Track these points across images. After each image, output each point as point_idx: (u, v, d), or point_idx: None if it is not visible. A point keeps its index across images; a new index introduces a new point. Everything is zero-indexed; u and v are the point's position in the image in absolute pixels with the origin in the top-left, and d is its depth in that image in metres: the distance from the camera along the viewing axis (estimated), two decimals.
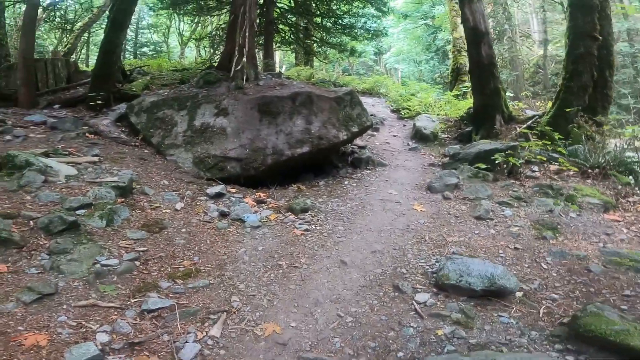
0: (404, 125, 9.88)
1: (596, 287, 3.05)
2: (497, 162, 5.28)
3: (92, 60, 18.31)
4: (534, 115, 7.39)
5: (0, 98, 7.77)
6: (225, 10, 14.66)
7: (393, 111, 11.74)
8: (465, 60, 16.91)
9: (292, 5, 15.51)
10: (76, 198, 3.68)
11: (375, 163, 6.70)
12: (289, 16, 16.29)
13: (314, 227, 4.21)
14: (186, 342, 2.40)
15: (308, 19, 16.14)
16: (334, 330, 2.67)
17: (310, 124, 5.97)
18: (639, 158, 5.52)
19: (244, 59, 6.97)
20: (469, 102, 11.10)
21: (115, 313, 2.59)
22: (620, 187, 5.04)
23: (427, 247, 3.69)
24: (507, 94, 8.70)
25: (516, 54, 21.16)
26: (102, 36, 8.46)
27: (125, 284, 2.94)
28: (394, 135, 9.02)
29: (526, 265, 3.34)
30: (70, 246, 3.13)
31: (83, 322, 2.47)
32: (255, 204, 4.81)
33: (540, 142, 5.67)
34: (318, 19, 15.97)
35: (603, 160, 5.49)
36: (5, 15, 14.04)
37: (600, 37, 6.63)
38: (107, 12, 11.80)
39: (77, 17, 16.50)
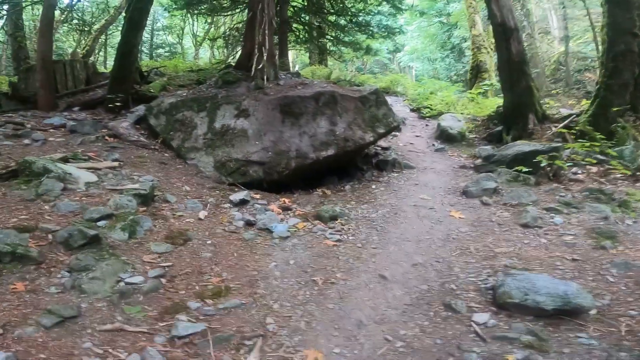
0: (426, 125, 9.54)
1: None
2: (542, 165, 4.91)
3: (110, 61, 18.35)
4: (571, 114, 6.99)
5: (19, 100, 7.70)
6: (239, 10, 14.50)
7: (412, 110, 11.39)
8: (485, 57, 16.47)
9: (306, 4, 15.24)
10: (97, 208, 3.47)
11: (402, 165, 6.40)
12: (302, 15, 16.04)
13: (346, 237, 3.94)
14: None
15: (322, 18, 15.87)
16: (383, 356, 2.38)
17: (335, 125, 5.70)
18: None
19: (264, 58, 6.73)
20: (495, 101, 10.70)
21: (144, 339, 2.35)
22: None
23: (474, 259, 3.38)
24: None
25: (536, 50, 20.55)
26: (119, 38, 8.33)
27: (152, 304, 2.71)
28: (416, 136, 8.68)
29: (590, 279, 3.01)
30: (92, 262, 2.90)
31: (110, 350, 2.23)
32: (281, 211, 4.55)
33: (588, 144, 5.28)
34: (332, 17, 15.68)
35: None
36: (24, 17, 14.13)
37: None
38: (123, 13, 11.72)
39: (94, 18, 16.53)
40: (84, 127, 6.18)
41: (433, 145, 7.75)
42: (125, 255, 3.12)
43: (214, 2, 13.85)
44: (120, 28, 13.11)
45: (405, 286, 3.08)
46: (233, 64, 8.24)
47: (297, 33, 16.25)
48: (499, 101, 9.66)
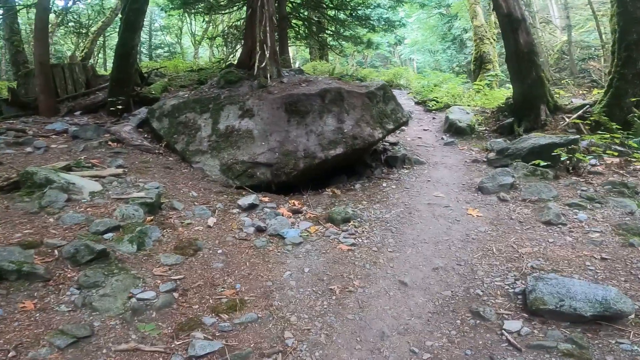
0: (433, 118, 9.36)
1: None
2: (562, 158, 4.73)
3: (110, 64, 18.21)
4: (584, 105, 6.81)
5: (20, 106, 7.57)
6: (237, 7, 14.28)
7: (417, 103, 11.21)
8: (488, 48, 16.20)
9: None
10: (102, 220, 3.33)
11: (412, 161, 6.24)
12: (301, 10, 15.80)
13: (360, 240, 3.79)
14: None
15: (321, 12, 15.63)
16: None
17: (343, 123, 5.54)
18: None
19: (267, 56, 6.56)
20: (502, 92, 10.51)
21: (161, 359, 2.23)
22: None
23: (497, 261, 3.23)
24: None
25: (539, 40, 20.25)
26: (117, 39, 8.18)
27: (166, 320, 2.58)
28: (424, 129, 8.51)
29: (622, 279, 2.86)
30: (102, 278, 2.78)
31: None
32: (291, 214, 4.41)
33: (607, 135, 5.09)
34: (331, 12, 15.45)
35: None
36: (20, 20, 13.97)
37: None
38: (120, 14, 11.54)
39: (90, 21, 16.35)
40: (86, 132, 6.05)
41: (442, 138, 7.58)
42: (135, 269, 2.99)
43: (211, 0, 13.63)
44: (117, 29, 12.97)
45: (427, 292, 2.94)
46: (234, 63, 8.08)
47: (297, 29, 16.04)
48: (507, 92, 9.48)
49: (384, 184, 5.42)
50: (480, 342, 2.40)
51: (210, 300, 2.79)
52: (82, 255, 2.88)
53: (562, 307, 2.45)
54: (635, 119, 5.70)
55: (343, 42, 17.47)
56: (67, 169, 4.50)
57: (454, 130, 7.72)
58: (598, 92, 7.05)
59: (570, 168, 4.86)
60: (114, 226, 3.30)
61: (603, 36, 14.76)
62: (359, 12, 15.19)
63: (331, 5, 14.80)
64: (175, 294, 2.81)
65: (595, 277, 2.89)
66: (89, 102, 8.03)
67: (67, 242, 3.07)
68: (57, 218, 3.46)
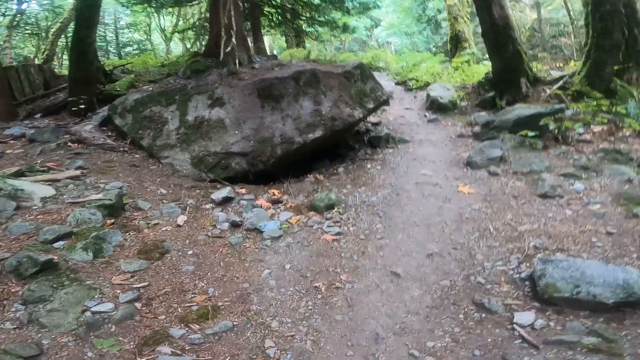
0: (415, 97, 9.12)
1: None
2: (550, 128, 4.50)
3: None
4: (563, 76, 6.72)
5: None
6: None
7: (398, 84, 10.97)
8: (463, 27, 15.98)
9: None
10: (51, 228, 2.93)
11: (396, 140, 5.97)
12: None
13: (346, 228, 3.49)
14: None
15: None
16: None
17: (320, 105, 5.21)
18: None
19: (233, 40, 6.15)
20: (481, 68, 10.29)
21: None
22: None
23: (497, 242, 2.96)
24: None
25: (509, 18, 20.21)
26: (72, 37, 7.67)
27: (127, 334, 2.24)
28: (406, 108, 8.24)
29: (635, 256, 2.61)
30: (49, 292, 2.42)
31: None
32: (271, 205, 4.08)
33: (594, 103, 4.88)
34: None
35: None
36: None
37: None
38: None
39: (49, 22, 15.51)
40: (43, 135, 5.58)
41: (425, 116, 7.34)
42: (90, 279, 2.62)
43: None
44: None
45: (423, 283, 2.65)
46: (200, 52, 7.64)
47: (270, 16, 15.54)
48: (486, 68, 9.28)
49: (369, 166, 5.13)
50: (489, 340, 2.11)
51: (179, 309, 2.45)
52: (25, 267, 2.51)
53: (579, 294, 2.17)
54: (619, 87, 5.53)
55: (319, 28, 17.06)
56: (18, 174, 4.07)
57: (436, 107, 7.49)
58: (575, 64, 6.91)
59: (559, 137, 4.64)
60: (65, 233, 2.91)
61: (571, 12, 14.77)
62: None
63: None
64: (138, 304, 2.46)
65: (605, 255, 2.64)
66: (49, 103, 7.54)
67: (12, 254, 2.69)
68: (4, 229, 3.06)
